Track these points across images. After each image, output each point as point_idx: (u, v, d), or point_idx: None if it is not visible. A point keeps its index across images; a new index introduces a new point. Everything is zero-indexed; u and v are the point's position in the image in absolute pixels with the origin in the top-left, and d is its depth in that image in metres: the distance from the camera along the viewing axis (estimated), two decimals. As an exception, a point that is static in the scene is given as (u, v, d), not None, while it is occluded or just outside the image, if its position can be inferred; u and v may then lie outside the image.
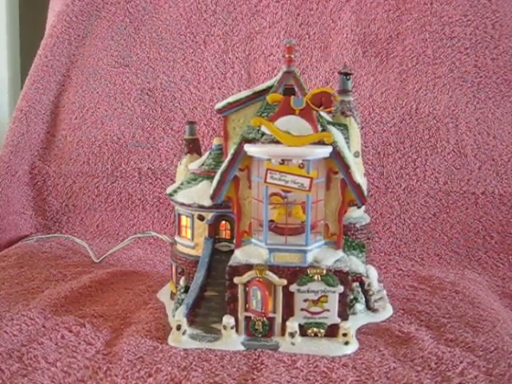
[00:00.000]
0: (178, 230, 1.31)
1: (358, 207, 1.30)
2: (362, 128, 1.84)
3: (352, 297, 1.25)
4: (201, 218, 1.25)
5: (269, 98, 1.05)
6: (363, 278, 1.29)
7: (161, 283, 1.46)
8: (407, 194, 1.82)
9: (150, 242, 1.87)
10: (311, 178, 1.02)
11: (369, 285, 1.29)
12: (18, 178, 1.90)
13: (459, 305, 1.32)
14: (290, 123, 1.03)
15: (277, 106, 1.07)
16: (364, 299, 1.27)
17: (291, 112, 1.03)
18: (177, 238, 1.32)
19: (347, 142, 1.14)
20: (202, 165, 1.29)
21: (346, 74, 1.28)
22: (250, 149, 1.06)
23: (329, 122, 1.14)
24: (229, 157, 1.10)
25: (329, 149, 1.05)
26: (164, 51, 1.96)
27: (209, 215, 1.24)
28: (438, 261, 1.70)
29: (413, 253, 1.74)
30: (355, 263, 1.15)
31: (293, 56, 1.08)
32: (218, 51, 1.97)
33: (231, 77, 1.95)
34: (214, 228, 1.25)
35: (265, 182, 1.04)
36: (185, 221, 1.29)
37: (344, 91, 1.29)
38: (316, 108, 1.03)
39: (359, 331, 1.18)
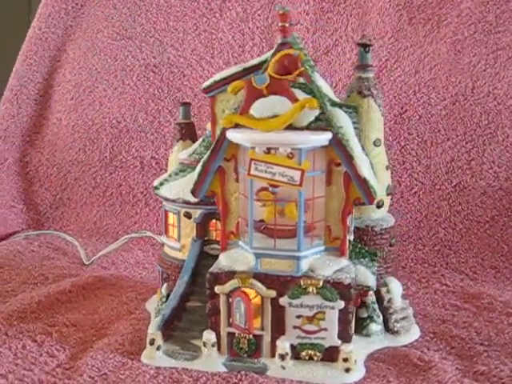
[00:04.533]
0: (165, 229, 1.34)
1: (379, 206, 1.28)
2: (404, 111, 1.82)
3: (366, 315, 1.23)
4: (188, 216, 1.27)
5: (229, 88, 1.06)
6: (382, 293, 1.27)
7: (154, 291, 1.49)
8: (459, 192, 1.77)
9: (152, 243, 1.92)
10: (302, 171, 1.01)
11: (389, 301, 1.27)
12: (8, 167, 2.01)
13: (506, 330, 1.28)
14: (264, 107, 1.02)
15: None
16: (382, 318, 1.25)
17: (260, 93, 1.03)
18: (163, 239, 1.35)
19: (356, 128, 1.12)
20: (193, 153, 1.31)
21: (365, 46, 1.25)
22: (232, 135, 1.06)
23: (334, 104, 1.12)
24: (212, 144, 1.11)
25: (327, 135, 1.03)
26: (173, 21, 2.00)
27: (196, 213, 1.25)
28: (494, 275, 1.65)
29: (463, 264, 1.69)
30: (363, 274, 1.13)
31: (287, 25, 1.08)
32: (236, 20, 1.98)
33: (250, 50, 1.95)
34: (202, 228, 1.26)
35: (248, 174, 1.04)
36: (171, 218, 1.31)
37: (363, 66, 1.26)
38: (284, 77, 1.02)
39: (371, 356, 1.17)
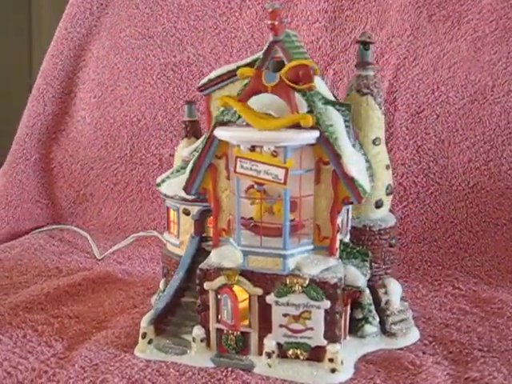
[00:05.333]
0: (167, 226, 1.36)
1: (378, 206, 1.27)
2: (422, 110, 1.78)
3: (361, 316, 1.21)
4: (187, 213, 1.28)
5: (239, 72, 1.06)
6: (380, 294, 1.25)
7: (162, 286, 1.53)
8: (476, 193, 1.72)
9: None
10: (286, 169, 1.01)
11: (387, 303, 1.25)
12: (34, 163, 2.07)
13: (510, 337, 1.24)
14: (263, 102, 1.02)
15: None
16: (378, 320, 1.23)
17: (264, 89, 1.03)
18: (165, 235, 1.37)
19: (347, 126, 1.10)
20: (194, 151, 1.32)
21: (365, 43, 1.24)
22: (219, 133, 1.07)
23: (328, 102, 1.11)
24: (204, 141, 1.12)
25: (313, 134, 1.03)
26: (193, 20, 2.02)
27: (194, 209, 1.27)
28: (511, 279, 1.59)
29: (479, 268, 1.65)
30: (353, 274, 1.11)
31: (276, 23, 1.07)
32: (255, 18, 1.99)
33: (269, 48, 1.95)
34: (200, 225, 1.27)
35: (235, 171, 1.05)
36: (172, 215, 1.33)
37: (363, 64, 1.25)
38: (292, 85, 1.02)
39: (363, 358, 1.15)
